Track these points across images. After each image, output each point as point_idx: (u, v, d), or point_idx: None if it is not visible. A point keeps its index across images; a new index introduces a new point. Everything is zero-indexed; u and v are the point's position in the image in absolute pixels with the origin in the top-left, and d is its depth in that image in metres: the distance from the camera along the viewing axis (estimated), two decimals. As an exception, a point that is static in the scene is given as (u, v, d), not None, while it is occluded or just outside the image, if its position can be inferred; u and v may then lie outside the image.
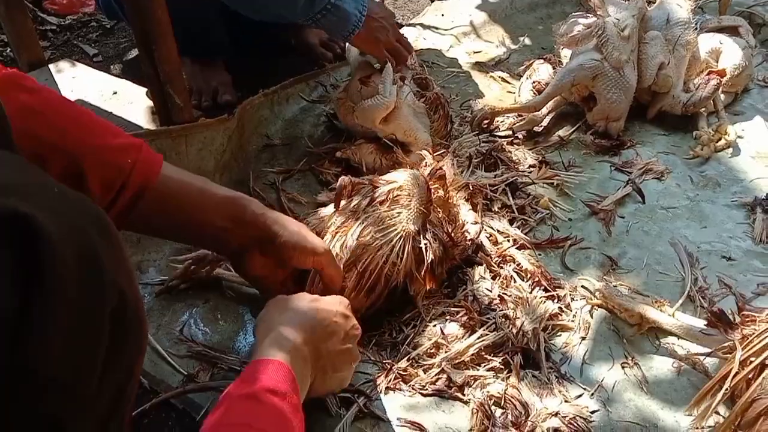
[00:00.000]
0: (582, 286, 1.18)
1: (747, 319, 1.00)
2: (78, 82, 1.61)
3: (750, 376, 0.90)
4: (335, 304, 0.91)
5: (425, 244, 1.09)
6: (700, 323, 1.06)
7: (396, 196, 1.10)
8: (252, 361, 0.78)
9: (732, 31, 1.74)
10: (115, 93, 1.56)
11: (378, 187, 1.12)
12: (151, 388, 1.03)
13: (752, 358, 0.91)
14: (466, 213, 1.24)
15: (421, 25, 2.00)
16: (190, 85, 1.67)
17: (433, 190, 1.13)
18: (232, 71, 1.78)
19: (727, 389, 0.90)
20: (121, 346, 0.50)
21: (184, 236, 0.98)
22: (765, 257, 1.25)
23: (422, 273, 1.10)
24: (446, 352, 1.06)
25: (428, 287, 1.13)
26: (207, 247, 1.09)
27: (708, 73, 1.55)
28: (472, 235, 1.20)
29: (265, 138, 1.57)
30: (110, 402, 0.49)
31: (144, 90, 1.54)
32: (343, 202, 1.11)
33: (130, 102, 1.52)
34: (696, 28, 1.61)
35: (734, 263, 1.24)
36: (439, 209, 1.16)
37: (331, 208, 1.14)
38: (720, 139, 1.51)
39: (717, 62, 1.64)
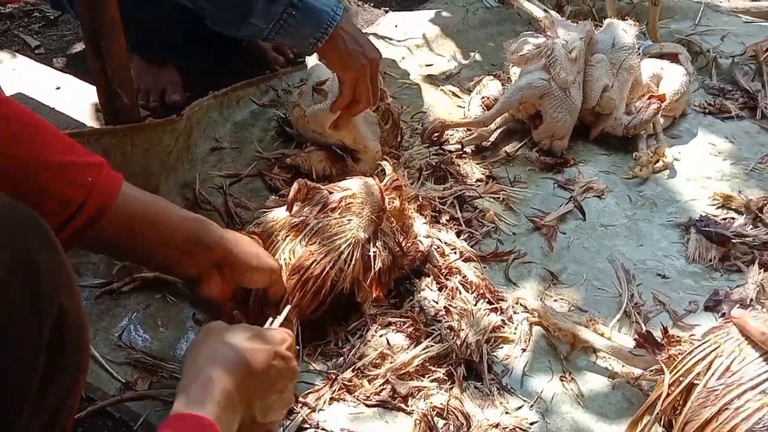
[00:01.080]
0: (520, 304, 1.20)
1: (672, 341, 1.05)
2: (18, 74, 1.55)
3: (679, 398, 0.94)
4: (275, 343, 0.84)
5: (374, 252, 1.10)
6: (631, 343, 1.09)
7: (348, 204, 1.11)
8: (173, 416, 0.69)
9: (672, 57, 1.82)
10: (58, 88, 1.50)
11: (332, 193, 1.12)
12: (87, 395, 0.99)
13: (681, 378, 0.95)
14: (419, 226, 1.25)
15: (375, 34, 2.01)
16: (138, 84, 1.63)
17: (388, 200, 1.14)
18: (182, 71, 1.74)
19: (658, 412, 0.94)
20: (60, 361, 0.49)
21: (142, 259, 0.96)
22: (697, 276, 1.31)
23: (369, 280, 1.10)
24: (391, 362, 1.06)
25: (375, 295, 1.13)
26: (165, 271, 1.06)
27: (649, 97, 1.62)
28: (423, 247, 1.22)
29: (213, 141, 1.55)
30: (50, 415, 0.48)
31: (89, 86, 1.50)
32: (296, 207, 1.11)
33: (74, 98, 1.47)
34: (639, 54, 1.68)
35: (668, 281, 1.29)
36: (393, 219, 1.17)
37: (282, 210, 1.13)
38: (658, 161, 1.58)
39: (657, 87, 1.71)
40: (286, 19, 1.26)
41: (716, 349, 0.94)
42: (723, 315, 1.21)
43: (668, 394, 0.94)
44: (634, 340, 1.08)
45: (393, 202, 1.17)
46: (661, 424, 0.98)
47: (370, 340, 1.10)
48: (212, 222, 0.95)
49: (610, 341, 1.10)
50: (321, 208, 1.10)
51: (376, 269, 1.10)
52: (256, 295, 1.04)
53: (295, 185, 1.11)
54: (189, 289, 0.99)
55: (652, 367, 1.04)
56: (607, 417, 1.04)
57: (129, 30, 1.22)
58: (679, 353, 1.00)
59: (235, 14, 1.27)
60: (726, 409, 0.88)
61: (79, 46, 1.91)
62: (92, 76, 1.28)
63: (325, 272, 1.05)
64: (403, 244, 1.17)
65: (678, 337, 1.06)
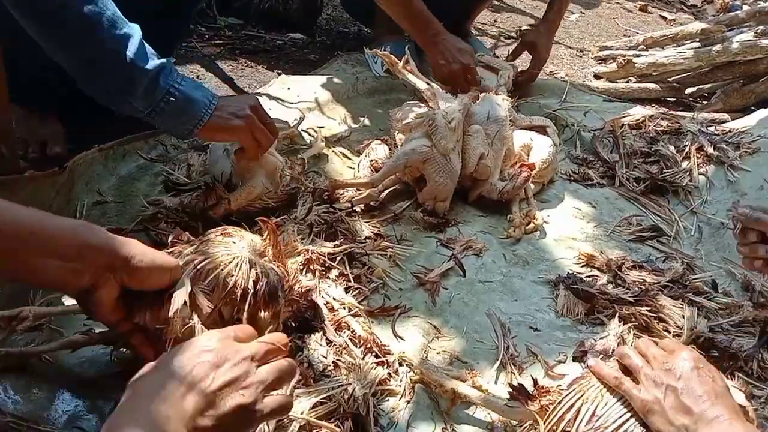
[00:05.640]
0: (404, 361, 1.23)
1: (543, 391, 1.12)
2: None
3: None
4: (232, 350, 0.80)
5: (262, 270, 1.08)
6: (505, 396, 1.15)
7: (228, 233, 1.12)
8: None
9: (541, 130, 2.00)
10: (-73, 135, 1.42)
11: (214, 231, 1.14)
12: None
13: (554, 428, 1.02)
14: (300, 277, 1.27)
15: (268, 95, 2.06)
16: (17, 134, 1.56)
17: (266, 245, 1.15)
18: (65, 122, 1.69)
19: None
20: None
21: (26, 274, 0.87)
22: (565, 329, 1.41)
23: (259, 298, 1.07)
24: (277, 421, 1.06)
25: (270, 328, 1.11)
26: (53, 285, 0.98)
27: (520, 166, 1.76)
28: (310, 285, 1.23)
29: (96, 194, 1.52)
30: None
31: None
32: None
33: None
34: (511, 125, 1.83)
35: (540, 333, 1.39)
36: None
37: None
38: (529, 223, 1.71)
39: (528, 156, 1.87)
40: (162, 107, 1.30)
41: (581, 396, 1.02)
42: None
43: None
44: (508, 393, 1.14)
45: (269, 249, 1.17)
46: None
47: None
48: (97, 226, 0.91)
49: (486, 395, 1.16)
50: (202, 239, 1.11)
51: (263, 283, 1.07)
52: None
53: (175, 232, 1.14)
54: (84, 307, 0.93)
55: (526, 420, 1.10)
56: (486, 464, 1.09)
57: (10, 77, 1.19)
58: (549, 403, 1.07)
59: (115, 97, 1.29)
60: None
61: (-50, 93, 1.81)
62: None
63: (217, 270, 1.02)
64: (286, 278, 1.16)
65: (547, 387, 1.14)
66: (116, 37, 1.23)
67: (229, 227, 1.14)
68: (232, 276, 1.04)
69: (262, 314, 1.09)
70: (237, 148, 1.48)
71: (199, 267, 1.02)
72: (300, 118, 1.92)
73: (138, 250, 0.92)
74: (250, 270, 1.07)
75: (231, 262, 1.05)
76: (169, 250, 1.08)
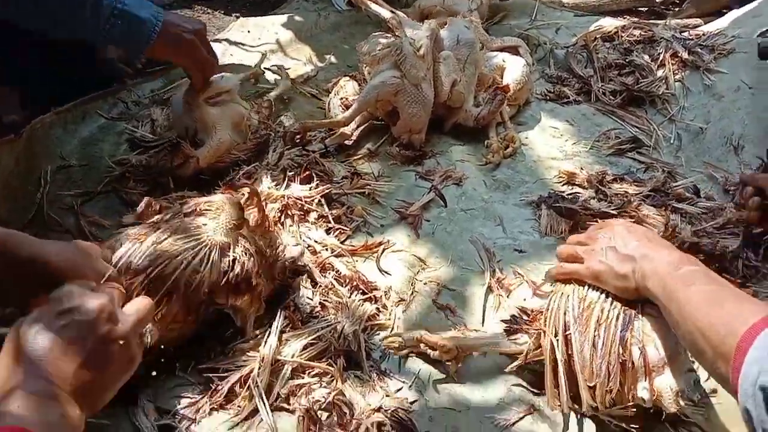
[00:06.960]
0: (388, 341, 1.15)
1: (531, 318, 1.14)
2: None
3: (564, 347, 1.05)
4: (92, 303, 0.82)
5: (234, 257, 1.05)
6: (501, 331, 1.14)
7: (204, 209, 1.08)
8: None
9: (513, 50, 1.94)
10: None
11: (186, 203, 1.09)
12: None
13: (555, 327, 1.07)
14: (286, 237, 1.24)
15: (227, 40, 1.98)
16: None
17: (249, 213, 1.12)
18: (20, 89, 1.62)
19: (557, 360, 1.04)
20: None
21: None
22: (550, 247, 1.39)
23: (230, 287, 1.05)
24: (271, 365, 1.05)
25: (253, 311, 1.11)
26: None
27: (495, 89, 1.72)
28: (294, 253, 1.21)
29: (59, 159, 1.47)
30: None
31: None
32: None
33: None
34: (482, 48, 1.77)
35: (525, 254, 1.38)
36: (256, 232, 1.14)
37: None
38: (508, 147, 1.68)
39: (502, 78, 1.82)
40: (111, 24, 1.30)
41: (562, 295, 1.10)
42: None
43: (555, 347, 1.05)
44: (504, 330, 1.13)
45: (253, 213, 1.14)
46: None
47: (247, 342, 1.09)
48: (26, 235, 0.87)
49: (487, 339, 1.14)
50: (174, 215, 1.07)
51: (234, 275, 1.05)
52: None
53: (144, 202, 1.09)
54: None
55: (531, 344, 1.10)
56: (480, 385, 1.10)
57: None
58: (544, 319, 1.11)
59: (74, 23, 1.27)
60: (599, 325, 1.03)
61: None
62: None
63: (177, 271, 0.99)
64: (269, 254, 1.14)
65: (535, 310, 1.15)
66: None
67: (204, 202, 1.10)
68: (199, 272, 1.01)
69: (238, 302, 1.07)
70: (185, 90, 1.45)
71: (153, 275, 0.97)
72: (262, 55, 1.85)
73: (65, 259, 0.88)
74: (220, 260, 1.03)
75: (196, 256, 1.01)
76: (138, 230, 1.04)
